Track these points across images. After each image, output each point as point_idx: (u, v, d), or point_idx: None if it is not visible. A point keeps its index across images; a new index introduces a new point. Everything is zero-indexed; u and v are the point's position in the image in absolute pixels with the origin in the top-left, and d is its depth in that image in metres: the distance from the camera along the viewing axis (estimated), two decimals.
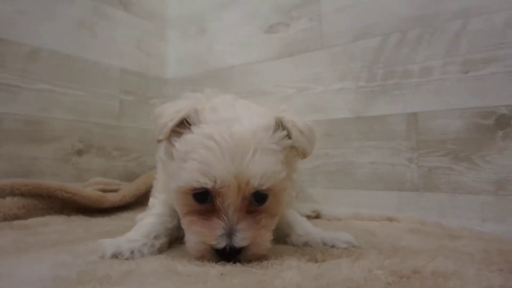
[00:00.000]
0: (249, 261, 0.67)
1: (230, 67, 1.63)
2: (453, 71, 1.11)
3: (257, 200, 0.69)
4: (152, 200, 0.93)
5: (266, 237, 0.69)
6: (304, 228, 0.86)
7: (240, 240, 0.64)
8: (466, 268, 0.63)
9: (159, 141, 0.72)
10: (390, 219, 1.10)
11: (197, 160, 0.64)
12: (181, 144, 0.68)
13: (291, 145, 0.71)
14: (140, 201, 1.48)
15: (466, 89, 1.08)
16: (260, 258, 0.68)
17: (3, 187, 1.13)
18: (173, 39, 1.86)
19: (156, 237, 0.76)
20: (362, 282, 0.56)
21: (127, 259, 0.69)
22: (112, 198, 1.35)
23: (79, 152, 1.47)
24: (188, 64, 1.80)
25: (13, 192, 1.14)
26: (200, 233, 0.66)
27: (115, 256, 0.68)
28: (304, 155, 0.73)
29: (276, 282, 0.56)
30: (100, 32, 1.58)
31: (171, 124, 0.69)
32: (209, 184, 0.64)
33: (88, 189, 1.38)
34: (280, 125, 0.71)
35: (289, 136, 0.71)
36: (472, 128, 1.07)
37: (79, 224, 1.14)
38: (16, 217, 1.11)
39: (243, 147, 0.64)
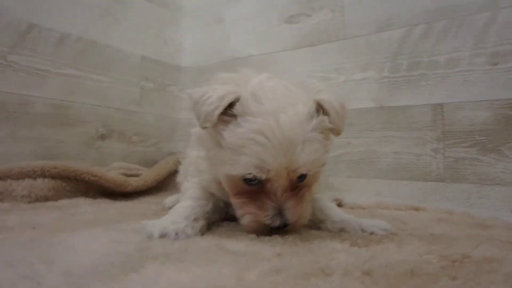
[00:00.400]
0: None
1: (247, 56, 1.63)
2: (480, 62, 1.12)
3: (299, 178, 0.73)
4: (186, 184, 0.93)
5: (308, 210, 0.78)
6: (338, 214, 0.87)
7: (290, 217, 0.72)
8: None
9: (205, 128, 0.73)
10: (416, 209, 1.11)
11: (251, 156, 0.67)
12: (231, 136, 0.70)
13: (330, 126, 0.74)
14: (159, 186, 1.50)
15: (494, 81, 1.10)
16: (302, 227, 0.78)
17: (34, 169, 1.15)
18: (189, 28, 1.86)
19: (195, 220, 0.78)
20: (417, 265, 0.57)
21: (173, 239, 0.70)
22: (135, 183, 1.37)
23: (102, 137, 1.48)
24: (205, 53, 1.80)
25: (43, 174, 1.16)
26: (254, 214, 0.72)
27: (162, 236, 0.70)
28: (338, 133, 0.77)
29: (333, 263, 0.57)
30: (123, 20, 1.58)
31: (217, 112, 0.69)
32: (263, 176, 0.69)
33: (112, 173, 1.39)
34: (320, 108, 0.74)
35: (327, 117, 0.74)
36: (500, 120, 1.08)
37: (107, 206, 1.15)
38: (47, 199, 1.14)
39: (292, 139, 0.68)
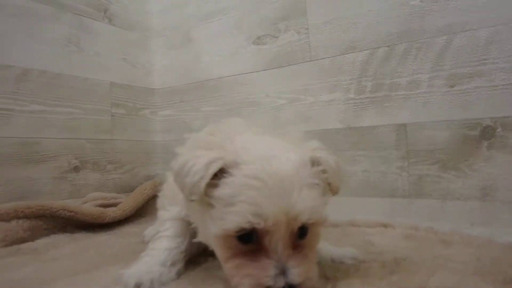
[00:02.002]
0: None
1: (218, 78, 1.66)
2: (439, 84, 1.18)
3: (300, 236, 0.67)
4: (163, 213, 0.90)
5: (316, 271, 0.68)
6: None
7: (295, 277, 0.61)
8: (465, 281, 0.69)
9: (192, 201, 0.67)
10: (385, 225, 1.16)
11: (246, 202, 0.61)
12: (223, 188, 0.64)
13: (327, 181, 0.70)
14: (139, 213, 1.51)
15: (452, 102, 1.16)
16: None
17: (7, 211, 1.13)
18: (158, 50, 1.86)
19: (172, 264, 0.79)
20: None
21: None
22: (113, 214, 1.37)
23: (76, 169, 1.48)
24: (175, 74, 1.81)
25: (17, 215, 1.15)
26: (253, 276, 0.62)
27: (137, 286, 0.72)
28: (336, 191, 0.73)
29: None
30: (87, 48, 1.57)
31: (203, 182, 0.64)
32: (261, 224, 0.61)
33: (88, 205, 1.39)
34: (315, 162, 0.69)
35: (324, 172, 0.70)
36: (459, 139, 1.15)
37: (86, 243, 1.15)
38: (23, 240, 1.13)
39: (289, 183, 0.63)
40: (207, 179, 0.64)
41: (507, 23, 1.09)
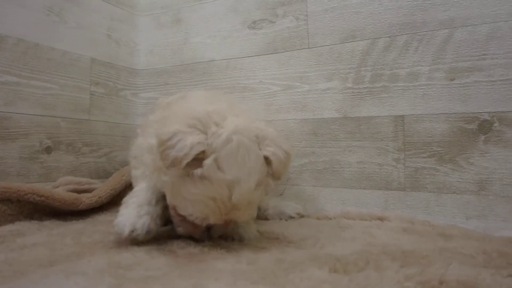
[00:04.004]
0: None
1: (210, 61, 1.57)
2: (439, 77, 1.17)
3: None
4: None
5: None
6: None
7: (214, 234, 0.87)
8: (482, 275, 0.67)
9: (169, 169, 0.76)
10: (381, 218, 1.14)
11: (200, 212, 0.78)
12: (187, 190, 0.77)
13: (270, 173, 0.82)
14: (114, 200, 1.40)
15: (451, 95, 1.15)
16: None
17: None
18: (144, 28, 1.75)
19: (157, 203, 0.88)
20: None
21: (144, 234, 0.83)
22: (88, 200, 1.26)
23: (48, 150, 1.34)
24: (162, 55, 1.70)
25: None
26: (190, 230, 0.86)
27: (132, 232, 0.81)
28: (278, 179, 0.82)
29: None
30: (70, 19, 1.44)
31: (185, 161, 0.72)
32: (204, 224, 0.81)
33: (60, 189, 1.27)
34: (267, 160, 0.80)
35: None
36: (456, 132, 1.14)
37: (59, 232, 1.04)
38: None
39: (239, 206, 0.77)
40: (189, 158, 0.72)
41: (507, 20, 1.10)
